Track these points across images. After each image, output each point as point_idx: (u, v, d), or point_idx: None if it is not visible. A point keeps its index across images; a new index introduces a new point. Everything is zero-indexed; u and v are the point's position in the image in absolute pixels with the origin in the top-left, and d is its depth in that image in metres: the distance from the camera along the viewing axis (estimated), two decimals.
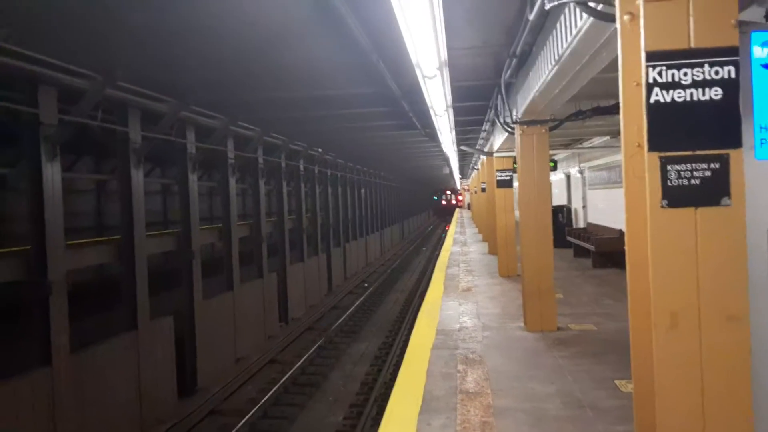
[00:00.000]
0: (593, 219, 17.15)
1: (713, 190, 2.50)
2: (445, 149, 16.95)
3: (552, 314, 7.25)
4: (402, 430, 4.36)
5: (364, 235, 27.40)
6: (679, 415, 2.53)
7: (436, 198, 75.48)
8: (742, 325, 2.48)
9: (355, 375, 11.22)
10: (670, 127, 2.52)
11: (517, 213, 12.07)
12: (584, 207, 18.92)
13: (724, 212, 2.50)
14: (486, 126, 12.32)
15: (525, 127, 7.25)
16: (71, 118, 7.20)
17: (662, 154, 2.52)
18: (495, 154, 12.23)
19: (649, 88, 2.53)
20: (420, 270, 25.61)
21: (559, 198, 21.80)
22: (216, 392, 10.02)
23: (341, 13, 5.24)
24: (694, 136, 2.51)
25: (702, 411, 2.50)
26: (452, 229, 30.27)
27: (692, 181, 2.51)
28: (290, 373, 10.91)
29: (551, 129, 7.36)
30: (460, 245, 19.73)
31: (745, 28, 2.53)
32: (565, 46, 4.22)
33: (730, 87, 2.48)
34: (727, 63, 2.48)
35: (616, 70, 2.84)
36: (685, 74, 2.51)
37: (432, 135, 13.64)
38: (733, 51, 2.48)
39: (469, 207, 53.47)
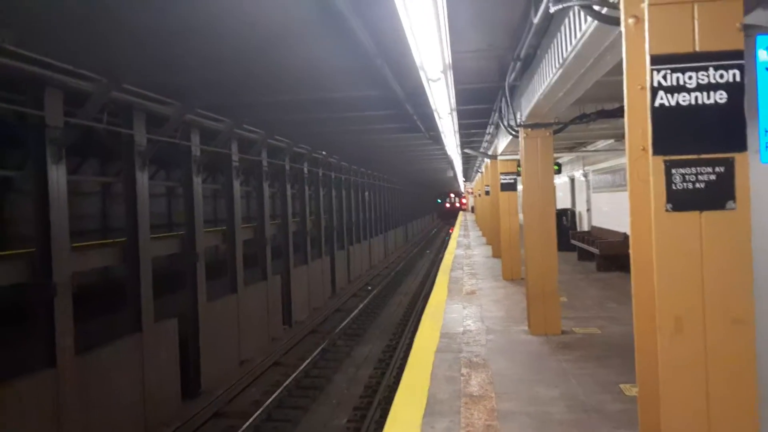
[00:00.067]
0: (597, 222, 17.11)
1: (718, 194, 2.49)
2: (448, 152, 16.96)
3: (556, 318, 7.23)
4: None
5: (368, 237, 27.40)
6: (683, 419, 2.52)
7: (439, 201, 75.42)
8: (747, 329, 2.47)
9: (358, 378, 11.22)
10: (675, 131, 2.52)
11: (521, 216, 12.08)
12: (588, 210, 18.88)
13: (729, 216, 2.49)
14: (490, 129, 12.32)
15: (529, 130, 7.25)
16: (77, 121, 7.24)
17: (667, 157, 2.52)
18: (499, 157, 12.22)
19: (654, 91, 2.52)
20: (424, 273, 25.59)
21: (563, 201, 21.76)
22: (220, 394, 10.03)
23: (345, 15, 5.25)
24: (699, 140, 2.51)
25: (707, 415, 2.49)
26: (456, 232, 30.25)
27: (697, 185, 2.51)
28: (294, 375, 10.91)
29: (555, 132, 7.36)
30: (464, 248, 19.71)
31: (750, 31, 2.52)
32: (569, 49, 4.22)
33: (735, 90, 2.48)
34: (732, 66, 2.47)
35: (621, 74, 2.84)
36: (690, 78, 2.50)
37: (436, 138, 13.65)
38: (738, 54, 2.47)
39: (472, 210, 53.42)
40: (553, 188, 7.52)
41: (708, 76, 2.49)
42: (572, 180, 21.22)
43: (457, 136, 12.44)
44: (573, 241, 15.58)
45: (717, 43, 2.48)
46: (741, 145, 2.48)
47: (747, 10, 2.50)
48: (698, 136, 2.51)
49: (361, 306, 17.51)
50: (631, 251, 2.89)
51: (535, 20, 4.30)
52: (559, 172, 18.35)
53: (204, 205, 11.54)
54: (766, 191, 2.56)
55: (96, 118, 7.56)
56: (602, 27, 3.41)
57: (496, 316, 8.41)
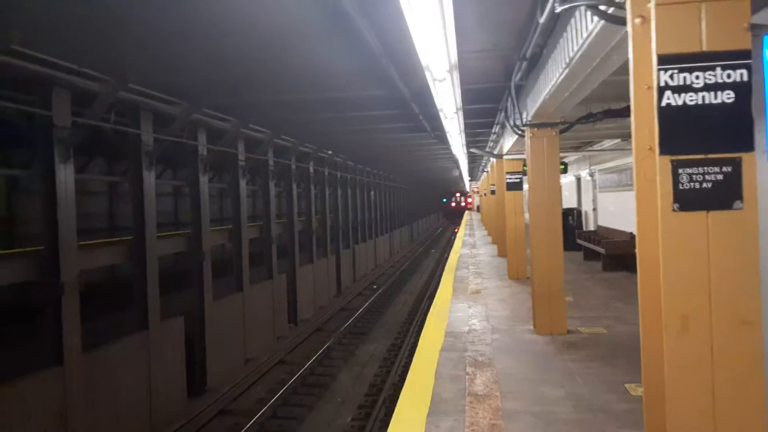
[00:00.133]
0: (603, 222, 17.07)
1: (725, 194, 2.49)
2: (454, 151, 16.94)
3: (562, 317, 7.22)
4: (410, 431, 4.37)
5: (374, 237, 27.41)
6: (689, 420, 2.52)
7: (445, 200, 75.34)
8: (754, 329, 2.46)
9: (363, 376, 11.23)
10: (682, 131, 2.52)
11: (526, 215, 12.06)
12: (594, 210, 18.83)
13: (736, 216, 2.49)
14: (496, 128, 12.31)
15: (535, 129, 7.24)
16: (84, 121, 7.28)
17: (674, 157, 2.52)
18: (505, 157, 12.21)
19: (661, 91, 2.52)
20: (429, 272, 25.59)
21: (569, 201, 21.71)
22: (225, 392, 10.07)
23: (351, 15, 5.25)
24: (706, 140, 2.50)
25: (713, 415, 2.49)
26: (461, 231, 30.23)
27: (704, 185, 2.50)
28: (299, 373, 10.94)
29: (561, 131, 7.35)
30: (470, 247, 19.70)
31: (757, 31, 2.52)
32: (575, 49, 4.22)
33: (743, 90, 2.47)
34: (739, 66, 2.47)
35: (627, 73, 2.84)
36: (697, 77, 2.50)
37: (442, 137, 13.64)
38: (745, 54, 2.47)
39: (478, 209, 53.35)
40: (559, 187, 7.51)
41: (715, 76, 2.49)
42: (578, 179, 21.16)
43: (463, 135, 12.43)
44: (579, 241, 15.54)
45: (724, 42, 2.47)
46: (748, 145, 2.48)
47: (754, 10, 2.50)
48: (705, 136, 2.50)
49: (366, 305, 17.53)
50: (637, 251, 2.89)
51: (542, 20, 4.29)
52: (565, 171, 18.29)
53: (210, 204, 11.58)
54: None
55: (103, 118, 7.60)
56: (609, 27, 3.41)
57: (502, 315, 8.41)
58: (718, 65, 2.49)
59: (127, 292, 9.09)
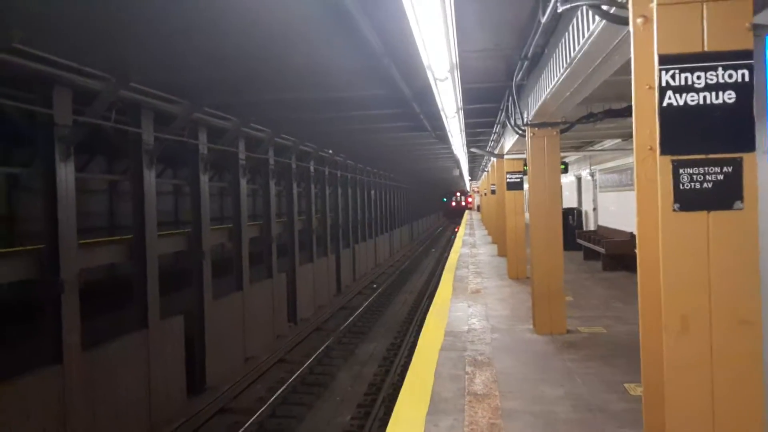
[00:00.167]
0: (604, 222, 17.06)
1: (726, 194, 2.49)
2: (455, 151, 16.94)
3: (561, 317, 7.23)
4: (409, 431, 4.37)
5: (374, 236, 27.42)
6: (688, 420, 2.52)
7: (445, 200, 75.36)
8: (754, 330, 2.47)
9: (363, 375, 11.24)
10: (683, 131, 2.52)
11: (526, 215, 12.06)
12: (595, 210, 18.83)
13: (736, 216, 2.49)
14: (497, 128, 12.31)
15: (536, 129, 7.24)
16: (85, 119, 7.28)
17: (675, 157, 2.52)
18: (505, 156, 12.21)
19: (662, 91, 2.52)
20: (429, 271, 25.59)
21: (569, 200, 21.70)
22: (225, 391, 10.07)
23: (353, 15, 5.26)
24: (707, 140, 2.50)
25: (712, 415, 2.49)
26: (462, 230, 30.23)
27: (705, 185, 2.50)
28: (298, 372, 10.94)
29: (562, 131, 7.34)
30: (470, 247, 19.70)
31: (759, 31, 2.52)
32: (577, 48, 4.22)
33: (744, 90, 2.47)
34: (740, 66, 2.47)
35: (629, 73, 2.84)
36: (699, 77, 2.50)
37: (442, 137, 13.64)
38: (747, 54, 2.47)
39: (478, 209, 53.36)
40: (560, 187, 7.51)
41: (716, 76, 2.49)
42: (579, 179, 21.16)
43: (464, 135, 12.43)
44: (579, 241, 15.54)
45: (726, 42, 2.47)
46: (749, 145, 2.48)
47: (756, 10, 2.50)
48: (706, 136, 2.50)
49: (366, 304, 17.53)
50: (637, 251, 2.89)
51: (543, 20, 4.29)
52: (565, 171, 18.30)
53: (210, 203, 11.59)
54: None
55: (104, 117, 7.60)
56: (610, 26, 3.41)
57: (501, 314, 8.41)
58: (719, 65, 2.49)
59: (127, 291, 9.10)
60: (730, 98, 2.48)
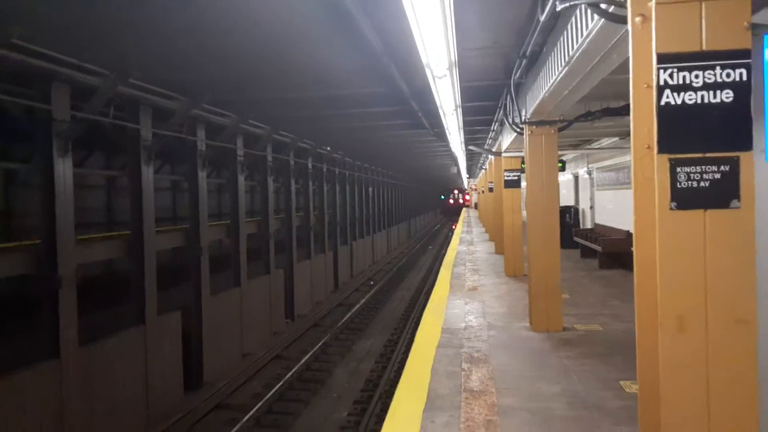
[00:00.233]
0: (601, 220, 17.10)
1: (723, 193, 2.49)
2: (453, 149, 16.94)
3: (558, 314, 7.25)
4: (406, 427, 4.38)
5: (371, 233, 27.42)
6: (684, 418, 2.53)
7: (443, 197, 75.41)
8: (750, 328, 2.48)
9: (359, 372, 11.26)
10: (681, 129, 2.52)
11: (524, 213, 12.07)
12: (592, 208, 18.86)
13: (733, 215, 2.50)
14: (495, 126, 12.31)
15: (534, 127, 7.25)
16: (83, 115, 7.26)
17: (672, 156, 2.53)
18: (503, 154, 12.22)
19: (660, 90, 2.53)
20: (426, 268, 25.62)
21: (566, 198, 21.74)
22: (222, 387, 10.09)
23: (352, 13, 5.26)
24: (704, 139, 2.51)
25: (707, 414, 2.50)
26: (459, 228, 30.25)
27: (702, 184, 2.51)
28: (295, 369, 10.96)
29: (560, 129, 7.35)
30: (467, 244, 19.72)
31: (757, 30, 2.52)
32: (575, 47, 4.22)
33: (742, 90, 2.48)
34: (739, 65, 2.47)
35: (627, 72, 2.85)
36: (697, 76, 2.51)
37: (440, 134, 13.64)
38: (745, 53, 2.47)
39: (476, 206, 53.38)
40: (557, 185, 7.52)
41: (714, 75, 2.49)
42: (576, 177, 21.19)
43: (462, 132, 12.43)
44: (576, 239, 15.58)
45: (724, 42, 2.48)
46: (747, 144, 2.49)
47: (754, 10, 2.50)
48: (704, 135, 2.51)
49: (363, 301, 17.55)
50: (634, 249, 2.90)
51: (542, 18, 4.30)
52: (563, 169, 18.31)
53: (208, 199, 11.57)
54: None
55: (102, 112, 7.58)
56: (609, 25, 3.41)
57: (498, 312, 8.43)
58: (717, 64, 2.49)
59: (125, 287, 9.09)
60: (728, 97, 2.49)
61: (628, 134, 2.90)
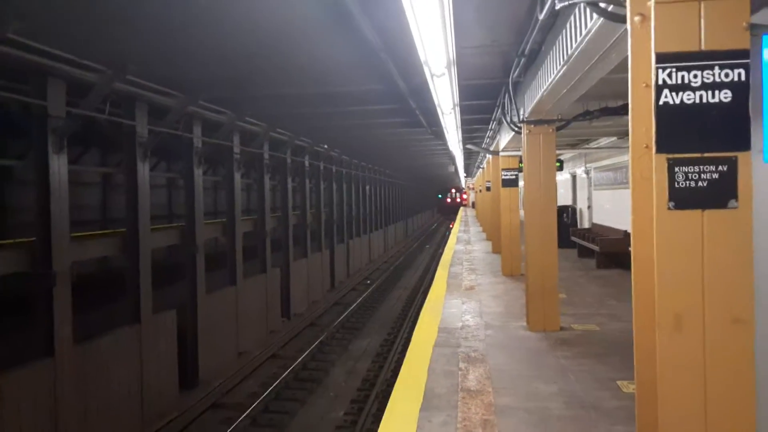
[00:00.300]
0: (598, 220, 17.12)
1: (720, 193, 2.49)
2: (450, 147, 16.94)
3: (555, 314, 7.25)
4: (403, 426, 4.37)
5: (368, 232, 27.41)
6: (681, 417, 2.53)
7: (440, 196, 75.46)
8: (747, 328, 2.47)
9: (356, 371, 11.25)
10: (679, 129, 2.51)
11: (521, 212, 12.06)
12: (589, 207, 18.88)
13: (731, 215, 2.49)
14: (492, 125, 12.31)
15: (532, 126, 7.24)
16: (79, 111, 7.23)
17: (670, 155, 2.52)
18: (501, 153, 12.22)
19: (659, 89, 2.52)
20: (423, 268, 25.62)
21: (564, 198, 21.75)
22: (217, 386, 10.06)
23: (351, 10, 5.24)
24: (702, 139, 2.50)
25: (704, 414, 2.50)
26: (456, 227, 30.25)
27: (700, 184, 2.50)
28: (292, 368, 10.94)
29: (558, 129, 7.35)
30: (464, 243, 19.72)
31: (756, 30, 2.51)
32: (574, 46, 4.21)
33: (740, 90, 2.47)
34: (737, 66, 2.46)
35: (626, 71, 2.84)
36: (695, 76, 2.50)
37: (438, 133, 13.64)
38: (744, 54, 2.46)
39: (473, 205, 53.43)
40: (555, 185, 7.51)
41: (713, 75, 2.48)
42: (574, 177, 21.21)
43: (460, 131, 12.43)
44: (573, 238, 15.59)
45: (723, 42, 2.47)
46: (745, 145, 2.48)
47: (753, 10, 2.49)
48: (702, 135, 2.50)
49: (359, 300, 17.54)
50: (632, 248, 2.89)
51: (541, 16, 4.28)
52: (560, 168, 18.32)
53: (204, 196, 11.55)
54: None
55: (98, 109, 7.55)
56: (608, 24, 3.40)
57: (495, 311, 8.42)
58: (716, 64, 2.48)
59: (120, 285, 9.06)
60: (726, 97, 2.48)
61: (627, 134, 2.89)
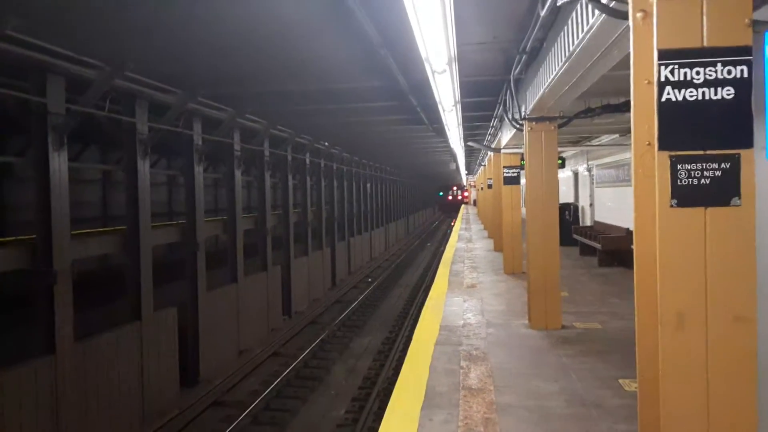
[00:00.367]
0: (600, 217, 17.09)
1: (723, 190, 2.47)
2: (452, 145, 16.93)
3: (557, 312, 7.23)
4: (404, 424, 4.36)
5: (369, 229, 27.40)
6: (683, 415, 2.52)
7: (441, 194, 75.39)
8: (750, 326, 2.46)
9: (357, 369, 11.25)
10: (682, 126, 2.50)
11: (523, 210, 12.04)
12: (591, 205, 18.85)
13: (733, 212, 2.48)
14: (494, 122, 12.29)
15: (533, 123, 7.21)
16: (78, 108, 7.21)
17: (673, 153, 2.50)
18: (502, 151, 12.18)
19: (661, 86, 2.50)
20: (424, 265, 25.61)
21: (566, 195, 21.73)
22: (218, 384, 10.06)
23: (351, 6, 5.22)
24: (705, 136, 2.49)
25: (707, 412, 2.48)
26: (458, 225, 30.23)
27: (702, 181, 2.49)
28: (293, 366, 10.94)
29: (560, 126, 7.32)
30: (465, 241, 19.71)
31: (758, 27, 2.49)
32: (576, 42, 4.19)
33: (743, 87, 2.45)
34: (739, 62, 2.45)
35: (627, 68, 2.82)
36: (698, 73, 2.48)
37: (439, 130, 13.62)
38: (746, 50, 2.45)
39: (474, 203, 53.41)
40: (557, 182, 7.49)
41: (715, 72, 2.47)
42: (576, 174, 21.18)
43: (461, 128, 12.41)
44: (575, 236, 15.57)
45: (725, 38, 2.45)
46: (747, 142, 2.46)
47: (756, 6, 2.47)
48: (704, 132, 2.49)
49: (361, 298, 17.54)
50: (634, 246, 2.88)
51: (542, 13, 4.26)
52: (562, 166, 18.31)
53: (205, 194, 11.54)
54: None
55: (98, 106, 7.54)
56: (610, 21, 3.38)
57: (497, 309, 8.41)
58: (718, 61, 2.47)
59: (121, 282, 9.05)
60: (728, 94, 2.47)
61: (629, 131, 2.88)
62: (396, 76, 8.18)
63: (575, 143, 15.75)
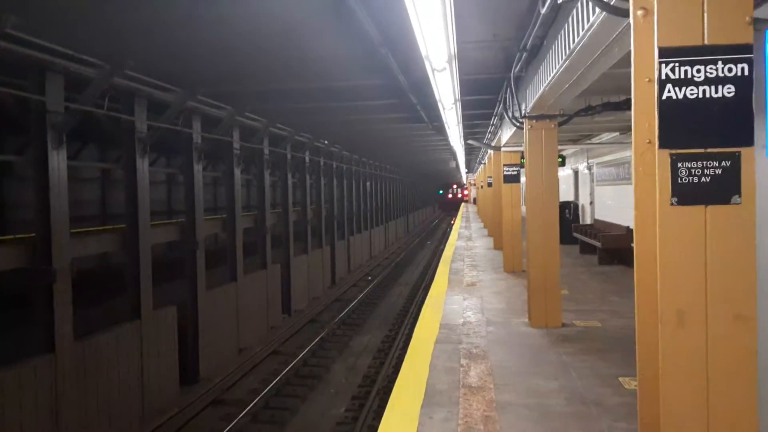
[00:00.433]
0: (600, 215, 17.10)
1: (723, 188, 2.47)
2: (452, 143, 16.92)
3: (557, 310, 7.23)
4: (404, 423, 4.36)
5: (369, 228, 27.40)
6: (683, 413, 2.52)
7: (441, 192, 75.38)
8: (749, 324, 2.46)
9: (357, 367, 11.25)
10: (682, 124, 2.49)
11: (523, 208, 12.05)
12: (591, 203, 18.86)
13: (733, 211, 2.48)
14: (494, 120, 12.28)
15: (534, 121, 7.21)
16: (77, 106, 7.20)
17: (673, 151, 2.50)
18: (502, 149, 12.18)
19: (662, 84, 2.50)
20: (424, 264, 25.61)
21: (566, 194, 21.73)
22: (218, 382, 10.07)
23: (352, 6, 5.21)
24: (705, 134, 2.48)
25: (706, 410, 2.48)
26: (457, 223, 30.23)
27: (703, 179, 2.49)
28: (292, 364, 10.94)
29: (560, 124, 7.32)
30: (465, 240, 19.71)
31: (759, 25, 2.49)
32: (576, 40, 4.18)
33: (743, 85, 2.45)
34: (740, 60, 2.44)
35: (628, 66, 2.81)
36: (698, 71, 2.47)
37: (439, 128, 13.61)
38: (746, 48, 2.44)
39: (474, 201, 53.42)
40: (557, 180, 7.49)
41: (716, 70, 2.46)
42: (576, 172, 21.17)
43: (461, 126, 12.40)
44: (575, 234, 15.57)
45: (726, 36, 2.45)
46: (748, 140, 2.46)
47: (756, 4, 2.47)
48: (705, 130, 2.48)
49: (360, 296, 17.54)
50: (634, 244, 2.87)
51: (543, 11, 4.26)
52: (563, 164, 18.31)
53: (204, 192, 11.53)
54: None
55: (97, 104, 7.53)
56: (610, 18, 3.37)
57: (497, 308, 8.41)
58: (719, 59, 2.46)
59: (120, 281, 9.05)
60: (729, 92, 2.46)
61: (629, 129, 2.88)
62: (396, 75, 8.17)
63: (575, 141, 15.75)
